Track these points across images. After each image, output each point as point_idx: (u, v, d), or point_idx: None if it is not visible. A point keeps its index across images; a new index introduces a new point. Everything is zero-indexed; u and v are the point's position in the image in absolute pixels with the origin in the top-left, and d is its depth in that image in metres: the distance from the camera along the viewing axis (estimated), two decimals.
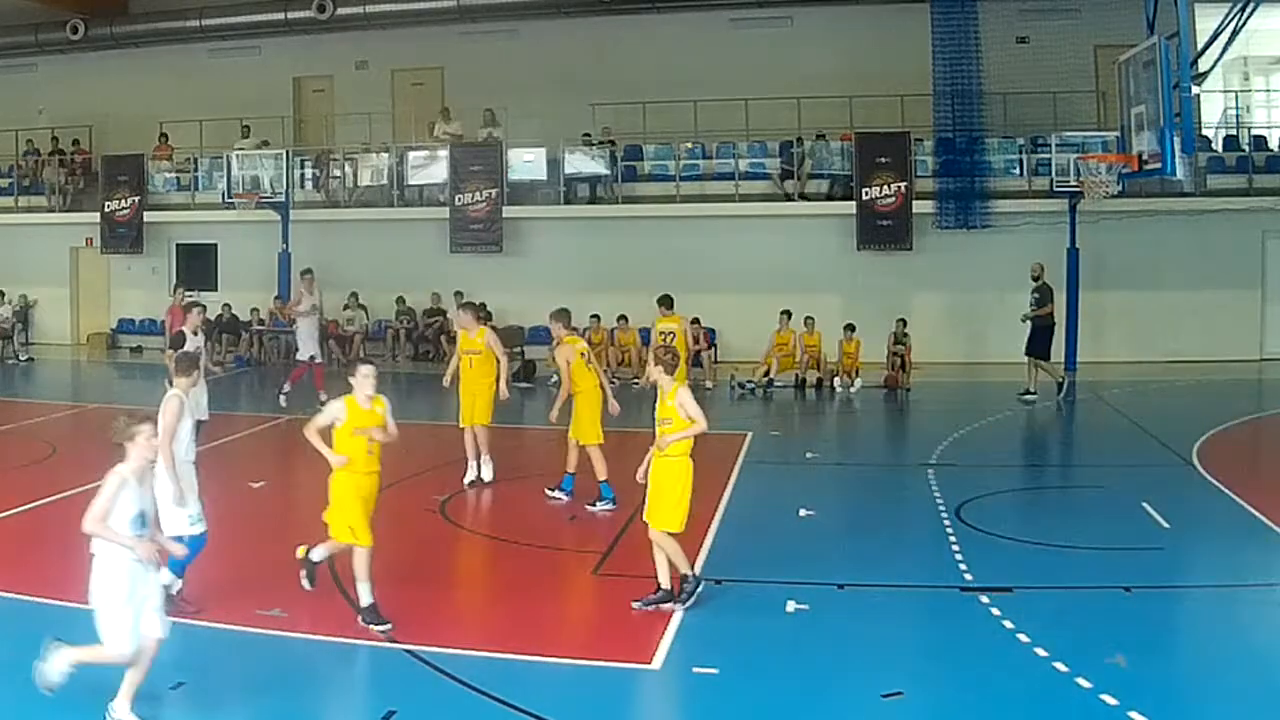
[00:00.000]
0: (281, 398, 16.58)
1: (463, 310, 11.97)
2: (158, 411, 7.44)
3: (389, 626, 7.20)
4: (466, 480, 11.55)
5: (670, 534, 7.67)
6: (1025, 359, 17.79)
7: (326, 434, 7.44)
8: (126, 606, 5.69)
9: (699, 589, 7.73)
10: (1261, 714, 6.19)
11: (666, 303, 14.16)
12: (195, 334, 11.87)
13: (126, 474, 5.70)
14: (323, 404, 15.98)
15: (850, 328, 19.31)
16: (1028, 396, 17.45)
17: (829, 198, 22.54)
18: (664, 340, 13.61)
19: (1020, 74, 20.67)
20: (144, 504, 5.76)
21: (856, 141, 21.98)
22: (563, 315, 11.28)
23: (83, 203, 25.92)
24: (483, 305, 20.52)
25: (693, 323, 18.53)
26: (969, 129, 21.63)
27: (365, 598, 7.30)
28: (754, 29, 23.81)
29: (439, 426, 15.10)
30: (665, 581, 7.74)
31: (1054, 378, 17.76)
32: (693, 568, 7.87)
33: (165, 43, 25.71)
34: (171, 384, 8.27)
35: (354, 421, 7.39)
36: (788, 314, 19.53)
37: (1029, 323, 17.77)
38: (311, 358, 17.03)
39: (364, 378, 7.44)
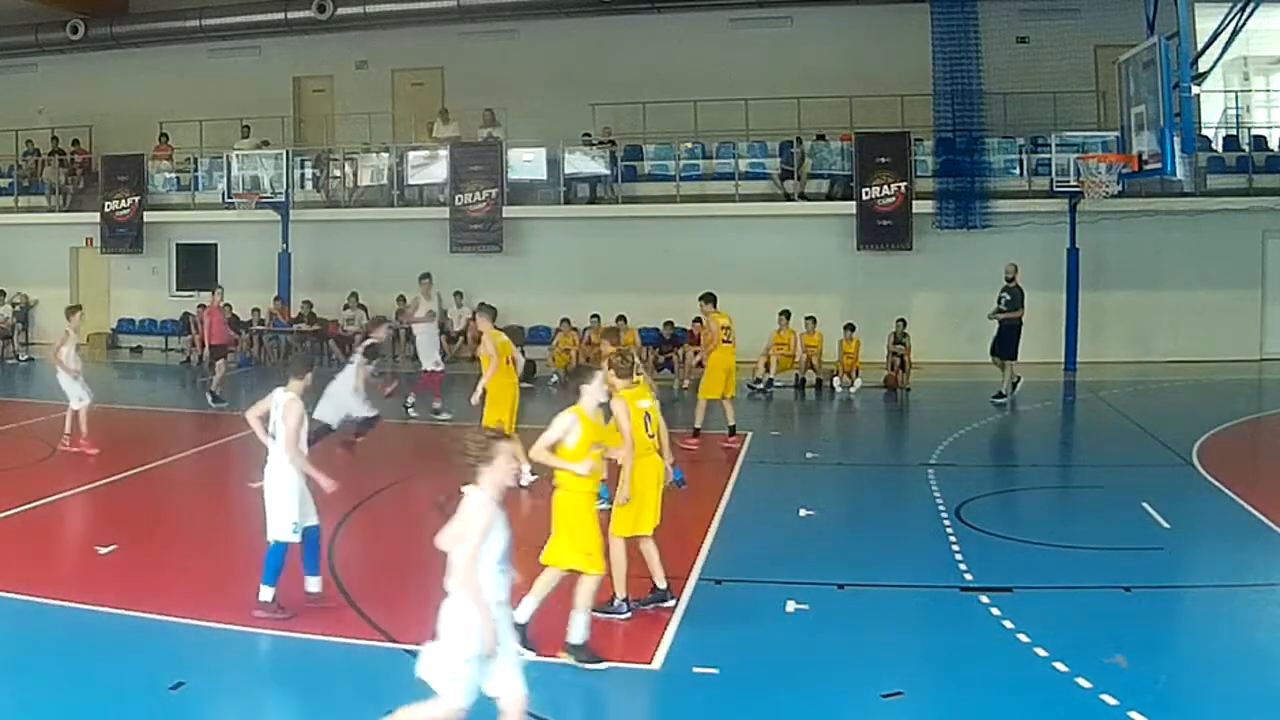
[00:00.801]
0: (444, 413, 15.70)
1: (479, 313, 12.42)
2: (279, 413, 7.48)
3: (603, 664, 6.76)
4: None
5: (649, 538, 7.68)
6: (995, 360, 17.76)
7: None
8: (478, 663, 4.86)
9: (596, 618, 7.26)
10: (1261, 714, 6.18)
11: (711, 299, 13.99)
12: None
13: (495, 505, 4.79)
14: (436, 413, 15.91)
15: (850, 328, 19.32)
16: (1014, 392, 17.41)
17: (829, 198, 22.52)
18: (726, 335, 13.67)
19: (1020, 74, 20.66)
20: (507, 535, 4.88)
21: (856, 141, 21.97)
22: (611, 334, 11.47)
23: (83, 203, 25.93)
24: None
25: (695, 322, 18.58)
26: (969, 129, 21.62)
27: (579, 632, 6.79)
28: (754, 29, 23.80)
29: (443, 425, 15.13)
30: (660, 581, 7.75)
31: (1004, 379, 17.65)
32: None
33: (165, 43, 25.69)
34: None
35: (591, 436, 6.83)
36: (787, 314, 19.52)
37: (996, 323, 17.81)
38: (436, 363, 16.79)
39: (598, 384, 7.05)
